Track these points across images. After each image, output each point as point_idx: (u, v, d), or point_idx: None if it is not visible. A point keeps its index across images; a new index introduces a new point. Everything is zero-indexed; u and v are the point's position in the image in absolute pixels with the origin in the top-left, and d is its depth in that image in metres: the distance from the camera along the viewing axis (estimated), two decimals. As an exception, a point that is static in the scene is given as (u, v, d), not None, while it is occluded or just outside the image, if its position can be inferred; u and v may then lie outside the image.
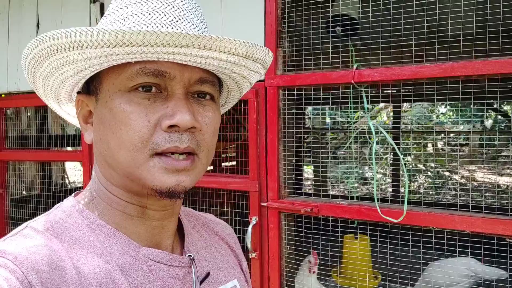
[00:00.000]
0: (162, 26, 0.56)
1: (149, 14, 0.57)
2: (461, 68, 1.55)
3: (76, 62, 0.55)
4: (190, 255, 0.68)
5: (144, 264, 0.61)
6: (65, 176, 6.60)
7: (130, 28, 0.54)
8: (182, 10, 0.59)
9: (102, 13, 2.36)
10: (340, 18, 2.13)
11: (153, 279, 0.61)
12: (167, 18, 0.57)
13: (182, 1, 0.60)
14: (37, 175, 4.20)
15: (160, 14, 0.57)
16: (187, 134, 0.57)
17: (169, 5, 0.58)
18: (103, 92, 0.59)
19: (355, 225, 1.87)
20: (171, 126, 0.56)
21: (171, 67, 0.56)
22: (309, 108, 6.06)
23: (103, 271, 0.57)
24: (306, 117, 6.15)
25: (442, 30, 1.77)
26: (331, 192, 5.79)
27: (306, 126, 5.76)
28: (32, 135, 3.46)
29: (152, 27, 0.56)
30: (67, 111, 0.73)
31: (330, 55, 1.80)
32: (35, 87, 0.65)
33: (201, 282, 0.68)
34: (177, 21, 0.57)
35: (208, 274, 0.70)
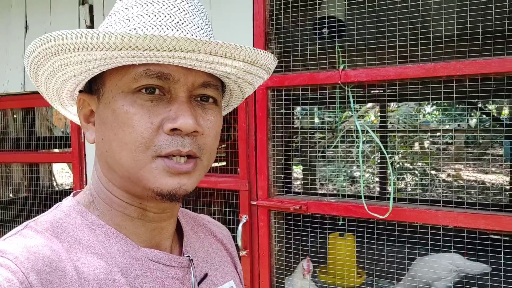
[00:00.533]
0: (168, 28, 0.56)
1: (155, 15, 0.57)
2: (443, 69, 1.60)
3: (80, 63, 0.55)
4: (188, 256, 0.68)
5: (143, 264, 0.61)
6: (53, 178, 6.54)
7: (135, 29, 0.56)
8: (188, 12, 0.59)
9: (91, 15, 2.36)
10: (326, 20, 2.17)
11: (152, 279, 0.61)
12: (173, 20, 0.57)
13: (187, 3, 0.60)
14: (24, 177, 4.16)
15: (165, 16, 0.57)
16: (189, 138, 0.57)
17: (174, 7, 0.58)
18: (106, 92, 0.59)
19: (340, 223, 1.91)
20: (173, 130, 0.56)
21: (175, 70, 0.56)
22: (298, 109, 6.12)
23: (103, 272, 0.57)
24: (295, 117, 6.20)
25: (425, 31, 1.83)
26: (319, 192, 5.85)
27: (295, 126, 5.81)
28: (20, 137, 3.44)
29: (158, 29, 0.56)
30: (68, 109, 0.73)
31: (317, 56, 1.84)
32: (37, 84, 0.65)
33: (199, 283, 0.68)
34: (182, 24, 0.57)
35: (206, 275, 0.71)
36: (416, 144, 7.83)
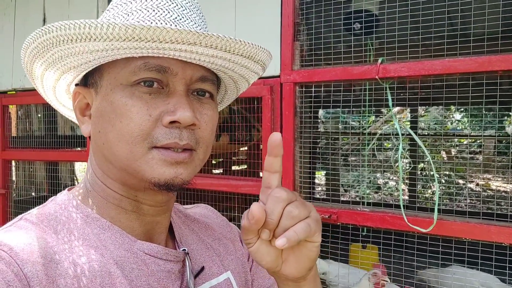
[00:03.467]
0: (166, 23, 0.57)
1: (153, 10, 0.58)
2: (499, 62, 1.40)
3: (82, 54, 0.55)
4: (184, 249, 0.68)
5: (139, 258, 0.61)
6: (75, 177, 6.54)
7: (138, 22, 0.56)
8: (186, 9, 0.60)
9: (110, 6, 2.25)
10: (363, 14, 1.99)
11: (148, 273, 0.61)
12: (171, 16, 0.58)
13: None
14: (46, 176, 4.11)
15: (164, 11, 0.58)
16: (187, 130, 0.58)
17: (172, 3, 0.59)
18: (104, 85, 0.60)
19: (364, 233, 1.74)
20: (172, 122, 0.56)
21: (174, 63, 0.57)
22: (322, 112, 5.90)
23: (98, 264, 0.57)
24: (323, 119, 5.98)
25: (476, 27, 1.62)
26: (346, 198, 5.61)
27: (324, 128, 5.59)
28: (42, 135, 3.38)
29: (157, 23, 0.56)
30: (62, 102, 0.74)
31: (352, 49, 1.66)
32: (32, 77, 0.65)
33: (195, 276, 0.68)
34: (180, 19, 0.58)
35: (203, 268, 0.70)
36: (457, 150, 7.38)
